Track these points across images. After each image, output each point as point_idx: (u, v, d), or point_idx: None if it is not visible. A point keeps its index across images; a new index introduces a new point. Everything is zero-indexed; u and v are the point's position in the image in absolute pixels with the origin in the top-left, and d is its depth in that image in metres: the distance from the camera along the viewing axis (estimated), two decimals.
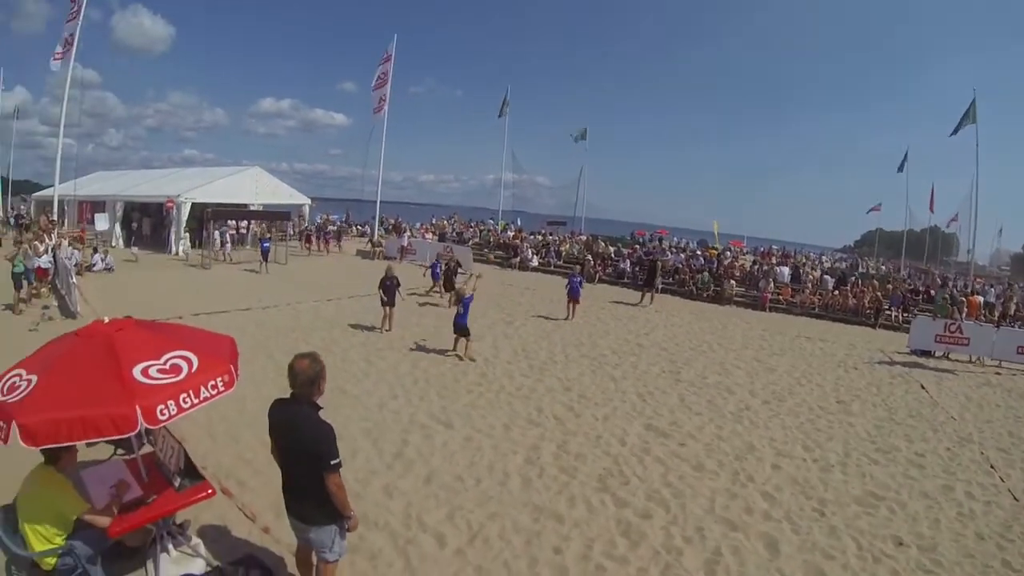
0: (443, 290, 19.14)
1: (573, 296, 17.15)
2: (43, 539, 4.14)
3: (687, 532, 5.93)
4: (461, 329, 11.89)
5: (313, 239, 30.88)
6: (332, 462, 3.72)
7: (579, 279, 17.57)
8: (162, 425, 4.10)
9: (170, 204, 26.60)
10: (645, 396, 10.29)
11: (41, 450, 4.08)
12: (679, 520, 6.16)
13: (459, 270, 19.54)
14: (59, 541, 4.20)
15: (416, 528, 5.75)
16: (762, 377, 12.33)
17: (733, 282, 24.87)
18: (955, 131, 32.07)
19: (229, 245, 25.17)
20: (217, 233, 25.06)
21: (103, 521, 4.28)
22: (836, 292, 24.07)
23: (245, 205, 29.86)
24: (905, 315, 22.08)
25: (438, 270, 19.81)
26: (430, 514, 6.02)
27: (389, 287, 13.85)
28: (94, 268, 20.28)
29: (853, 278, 26.73)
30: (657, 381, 11.33)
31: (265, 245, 23.45)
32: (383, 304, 13.97)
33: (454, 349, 12.11)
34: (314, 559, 4.25)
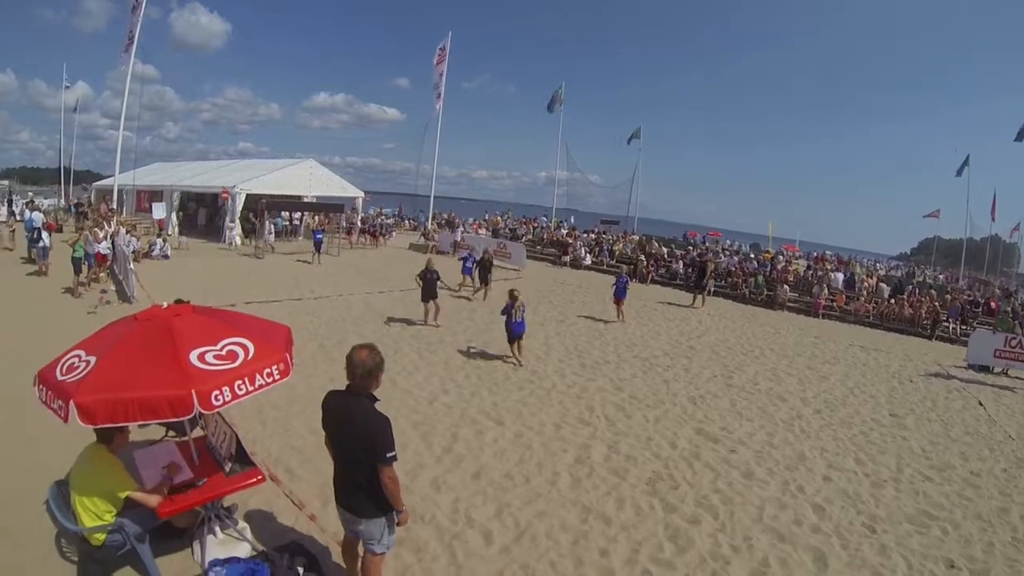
0: (475, 285, 19.05)
1: (618, 297, 16.76)
2: (93, 515, 4.32)
3: (735, 541, 5.93)
4: (518, 336, 11.53)
5: (355, 233, 30.78)
6: (388, 455, 3.74)
7: (625, 279, 17.11)
8: (216, 410, 4.20)
9: (225, 194, 27.33)
10: (696, 400, 10.30)
11: (95, 429, 4.24)
12: (727, 528, 6.15)
13: (492, 265, 19.07)
14: (108, 518, 4.38)
15: (463, 523, 5.83)
16: (814, 385, 12.19)
17: (786, 287, 24.51)
18: (1019, 136, 30.98)
19: (272, 235, 25.49)
20: (269, 224, 25.64)
21: (152, 500, 4.45)
22: (892, 301, 23.49)
23: (299, 197, 30.52)
24: (963, 328, 21.49)
25: (469, 264, 19.68)
26: (478, 510, 6.09)
27: (430, 280, 13.83)
28: (152, 254, 21.01)
29: (910, 287, 26.08)
30: (708, 385, 11.31)
31: (318, 236, 23.84)
32: (423, 300, 13.94)
33: (512, 355, 11.65)
34: (360, 551, 4.28)
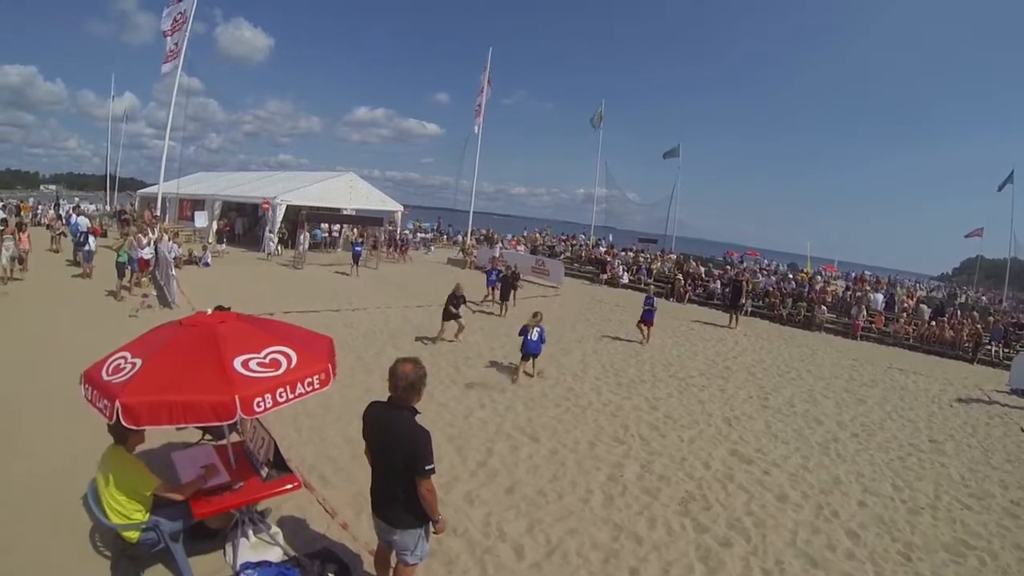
0: (495, 299, 19.04)
1: (646, 319, 16.26)
2: (120, 515, 4.46)
3: (766, 564, 5.92)
4: (531, 354, 11.56)
5: (380, 246, 30.39)
6: (427, 467, 3.79)
7: (652, 300, 16.55)
8: (256, 416, 4.30)
9: (266, 205, 27.91)
10: (731, 421, 10.29)
11: (110, 431, 4.47)
12: (759, 551, 6.15)
13: (517, 282, 19.12)
14: (139, 517, 4.51)
15: (495, 538, 5.89)
16: (851, 408, 12.08)
17: (824, 307, 24.23)
18: None
19: (305, 246, 25.89)
20: (305, 235, 26.09)
21: (178, 496, 4.61)
22: (932, 323, 23.12)
23: (339, 209, 30.99)
24: (1007, 351, 21.08)
25: (493, 277, 19.66)
26: (510, 525, 6.15)
27: (456, 303, 13.87)
28: (200, 263, 21.60)
29: (951, 308, 25.59)
30: (744, 406, 11.28)
31: (357, 249, 24.15)
32: (444, 319, 13.93)
33: (522, 371, 11.57)
34: (393, 561, 4.33)
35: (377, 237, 30.75)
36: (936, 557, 6.47)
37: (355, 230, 30.62)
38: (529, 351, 11.47)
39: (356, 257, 23.97)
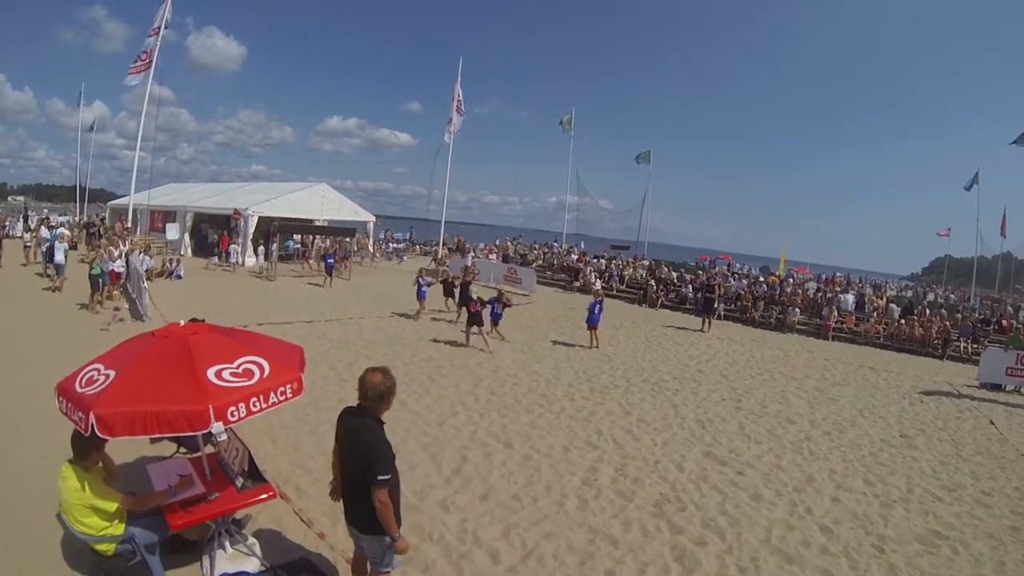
0: (449, 306, 18.86)
1: (591, 323, 16.07)
2: (89, 529, 4.38)
3: (742, 562, 5.92)
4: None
5: (311, 262, 29.18)
6: (380, 478, 3.74)
7: (597, 303, 16.30)
8: (230, 426, 4.29)
9: (237, 216, 27.66)
10: (704, 423, 10.29)
11: (72, 446, 4.39)
12: (734, 550, 6.15)
13: (455, 283, 18.35)
14: (111, 531, 4.43)
15: (471, 543, 5.85)
16: (824, 407, 12.18)
17: (796, 309, 24.48)
18: (1019, 139, 30.71)
19: (273, 256, 25.59)
20: (264, 246, 25.91)
21: (145, 506, 4.58)
22: (902, 321, 23.46)
23: (311, 220, 30.81)
24: (975, 346, 21.45)
25: (424, 289, 18.34)
26: (485, 530, 6.12)
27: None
28: (173, 276, 21.33)
29: (920, 307, 25.98)
30: (717, 408, 11.30)
31: (329, 260, 23.99)
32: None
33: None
34: (368, 568, 4.32)
35: (348, 249, 30.42)
36: (909, 548, 6.52)
37: (327, 242, 30.44)
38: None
39: (329, 269, 23.85)
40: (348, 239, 30.00)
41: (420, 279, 18.40)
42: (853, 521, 7.04)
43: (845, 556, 6.21)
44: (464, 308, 17.33)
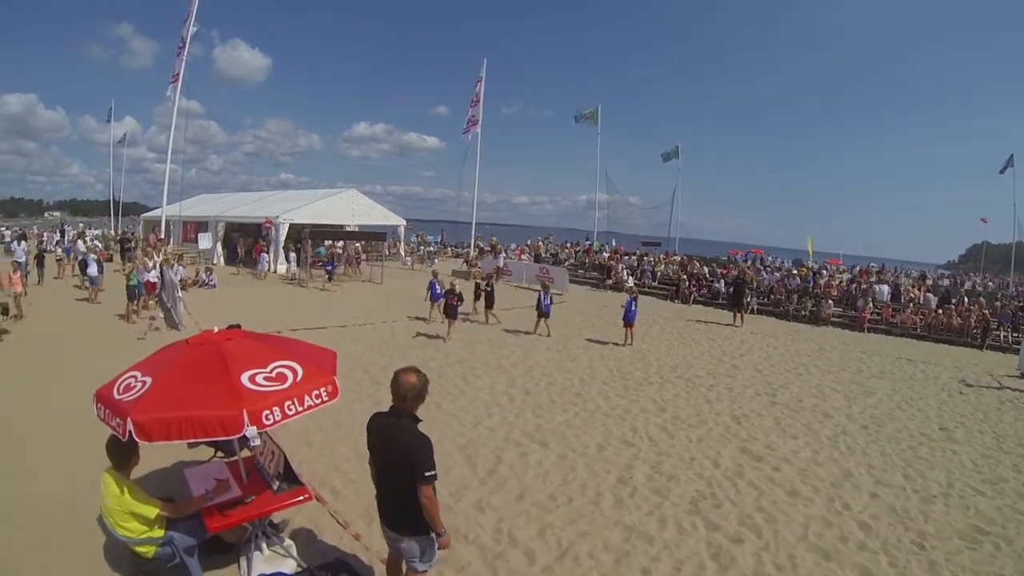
0: (476, 308, 18.99)
1: (628, 320, 16.17)
2: (130, 532, 4.52)
3: (779, 559, 5.91)
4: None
5: (342, 263, 29.30)
6: (426, 473, 3.77)
7: (632, 300, 16.44)
8: (264, 430, 4.38)
9: (268, 224, 28.08)
10: (740, 419, 10.27)
11: (109, 454, 4.52)
12: (771, 546, 6.14)
13: (492, 288, 18.69)
14: (151, 534, 4.57)
15: (506, 543, 5.90)
16: (860, 401, 12.05)
17: (830, 302, 24.19)
18: None
19: (307, 264, 26.39)
20: (297, 253, 26.32)
21: (182, 512, 4.70)
22: (939, 311, 23.05)
23: (342, 226, 31.14)
24: (1015, 335, 21.00)
25: (438, 291, 17.58)
26: (521, 530, 6.16)
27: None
28: (207, 285, 21.74)
29: (958, 296, 25.49)
30: (752, 403, 11.26)
31: (329, 267, 24.87)
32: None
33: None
34: (404, 568, 4.33)
35: (356, 253, 30.99)
36: (950, 544, 6.45)
37: (357, 245, 30.84)
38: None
39: (330, 274, 24.89)
40: (353, 243, 30.56)
41: (433, 281, 18.26)
42: (892, 517, 6.97)
43: (884, 552, 6.16)
44: (486, 307, 18.28)
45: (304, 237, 26.02)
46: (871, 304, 23.77)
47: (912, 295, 25.49)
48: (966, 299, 24.48)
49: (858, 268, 38.47)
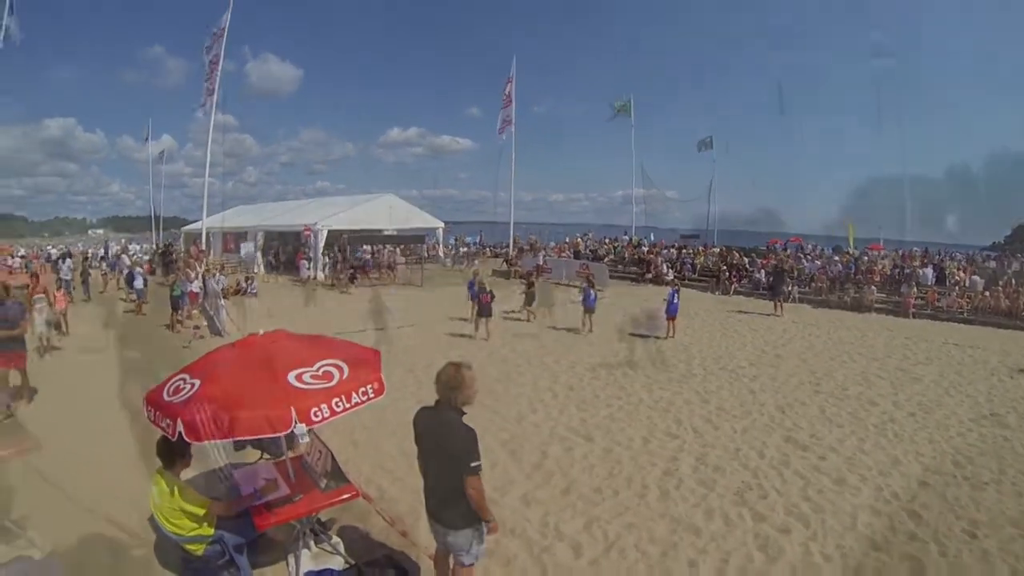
0: (522, 307, 19.10)
1: (670, 312, 16.31)
2: (181, 530, 4.68)
3: (827, 549, 5.87)
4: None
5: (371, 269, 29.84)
6: (472, 464, 3.85)
7: (674, 293, 16.66)
8: (312, 428, 4.51)
9: (307, 231, 28.56)
10: (784, 408, 10.23)
11: (159, 455, 4.70)
12: (819, 536, 6.10)
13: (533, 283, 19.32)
14: (201, 532, 4.73)
15: (552, 537, 5.95)
16: (907, 388, 11.88)
17: (873, 287, 23.80)
18: None
19: (326, 268, 27.12)
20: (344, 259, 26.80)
21: (230, 511, 4.87)
22: (987, 293, 22.50)
23: (380, 231, 31.48)
24: None
25: (475, 290, 17.18)
26: (567, 524, 6.21)
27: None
28: (249, 293, 22.27)
29: (1005, 277, 24.84)
30: (796, 393, 11.21)
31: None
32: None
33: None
34: (451, 563, 4.38)
35: (391, 258, 31.33)
36: (1003, 532, 6.32)
37: (396, 249, 31.24)
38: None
39: (352, 278, 25.63)
40: (386, 247, 30.95)
41: (472, 281, 18.25)
42: (942, 505, 6.87)
43: (935, 542, 6.07)
44: (527, 306, 18.60)
45: (342, 243, 26.44)
46: (916, 288, 23.30)
47: (958, 278, 24.93)
48: (1013, 280, 23.84)
49: (902, 252, 37.62)
